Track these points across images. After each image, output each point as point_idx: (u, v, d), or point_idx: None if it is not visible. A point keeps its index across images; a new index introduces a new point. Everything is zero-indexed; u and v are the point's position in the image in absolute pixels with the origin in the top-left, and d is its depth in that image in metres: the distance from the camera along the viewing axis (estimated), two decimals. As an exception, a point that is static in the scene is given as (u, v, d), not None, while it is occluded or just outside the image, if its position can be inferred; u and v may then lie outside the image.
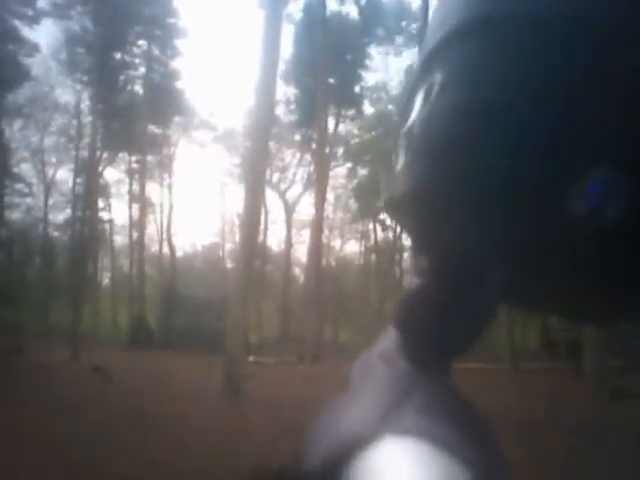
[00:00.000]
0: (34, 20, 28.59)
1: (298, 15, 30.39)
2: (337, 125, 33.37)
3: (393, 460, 0.35)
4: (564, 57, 0.36)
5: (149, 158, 33.68)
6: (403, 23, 31.73)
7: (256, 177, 13.08)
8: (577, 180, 0.35)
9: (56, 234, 35.67)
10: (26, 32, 28.29)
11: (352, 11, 31.70)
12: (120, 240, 38.85)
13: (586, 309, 0.42)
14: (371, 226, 36.53)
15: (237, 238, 29.25)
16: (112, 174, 36.43)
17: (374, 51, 33.03)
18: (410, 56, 31.70)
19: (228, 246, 41.38)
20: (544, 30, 0.37)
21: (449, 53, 0.41)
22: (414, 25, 29.74)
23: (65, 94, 32.87)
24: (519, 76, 0.37)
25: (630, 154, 0.35)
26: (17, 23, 27.78)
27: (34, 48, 29.16)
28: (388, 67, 34.23)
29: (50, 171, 34.98)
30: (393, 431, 0.37)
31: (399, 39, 32.23)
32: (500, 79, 0.38)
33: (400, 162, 0.43)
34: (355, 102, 33.13)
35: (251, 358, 18.29)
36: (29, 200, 34.11)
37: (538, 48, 0.37)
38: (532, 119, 0.36)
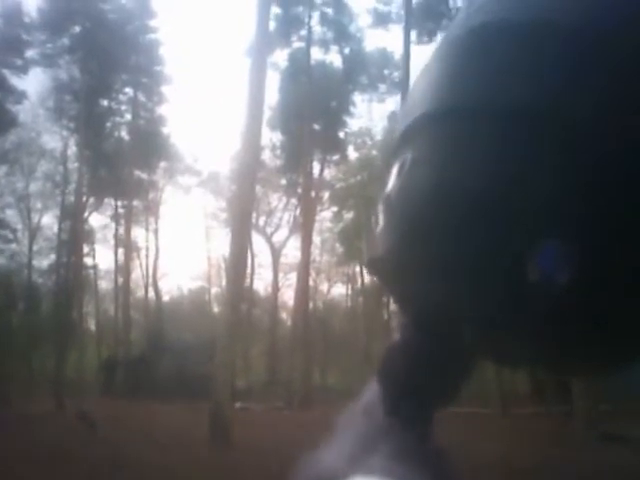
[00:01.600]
0: (23, 69, 29.01)
1: (283, 63, 31.06)
2: (322, 170, 33.80)
3: None
4: (521, 147, 0.40)
5: (135, 203, 33.78)
6: (386, 71, 32.53)
7: (243, 221, 13.20)
8: (530, 250, 0.39)
9: (40, 280, 35.37)
10: (14, 80, 28.68)
11: (336, 60, 32.49)
12: (105, 285, 38.61)
13: (554, 364, 0.45)
14: (358, 269, 36.63)
15: (224, 282, 29.15)
16: (98, 219, 36.41)
17: (358, 98, 33.75)
18: (393, 103, 32.44)
19: (214, 290, 41.23)
20: (505, 122, 0.41)
21: (420, 134, 0.46)
22: (396, 73, 30.51)
23: (52, 140, 33.02)
24: (479, 162, 0.42)
25: (580, 226, 0.38)
26: (5, 72, 28.16)
27: (22, 95, 29.50)
28: (371, 113, 34.87)
29: (35, 217, 34.92)
30: (362, 472, 0.41)
31: (382, 87, 32.99)
32: (462, 164, 0.43)
33: (380, 226, 0.48)
34: (340, 147, 33.63)
35: (238, 404, 18.05)
36: (14, 246, 33.93)
37: (497, 138, 0.41)
38: (487, 199, 0.41)
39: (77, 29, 30.10)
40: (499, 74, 0.42)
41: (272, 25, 20.31)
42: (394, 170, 0.48)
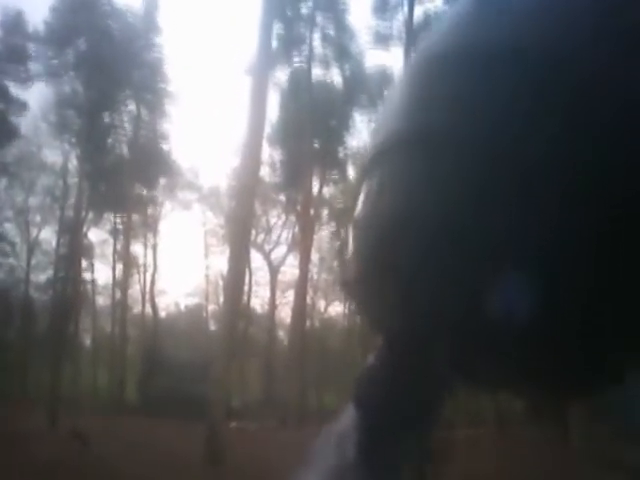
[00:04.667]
0: (26, 81, 29.13)
1: (284, 81, 31.22)
2: (321, 187, 33.84)
3: None
4: (479, 179, 0.40)
5: (134, 218, 33.72)
6: (385, 91, 32.69)
7: (241, 237, 13.15)
8: (494, 280, 0.39)
9: (37, 295, 35.18)
10: (17, 92, 28.79)
11: (337, 78, 32.69)
12: (102, 301, 38.41)
13: (523, 389, 0.46)
14: (355, 287, 36.41)
15: (221, 299, 29.04)
16: (97, 234, 36.31)
17: (358, 117, 33.91)
18: (393, 122, 32.45)
19: (212, 307, 40.97)
20: (464, 151, 0.41)
21: (386, 158, 0.46)
22: (396, 92, 30.67)
23: (52, 154, 32.99)
24: (441, 191, 0.42)
25: (542, 257, 0.38)
26: (9, 83, 28.28)
27: (23, 107, 29.58)
28: (371, 132, 35.05)
29: (34, 231, 34.82)
30: None
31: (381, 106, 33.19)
32: (424, 192, 0.43)
33: (350, 248, 0.49)
34: (339, 165, 33.71)
35: (233, 424, 17.87)
36: (11, 260, 33.77)
37: (457, 168, 0.41)
38: (449, 230, 0.41)
39: (82, 44, 30.26)
40: (458, 102, 0.42)
41: (274, 44, 20.44)
42: (362, 195, 0.48)
